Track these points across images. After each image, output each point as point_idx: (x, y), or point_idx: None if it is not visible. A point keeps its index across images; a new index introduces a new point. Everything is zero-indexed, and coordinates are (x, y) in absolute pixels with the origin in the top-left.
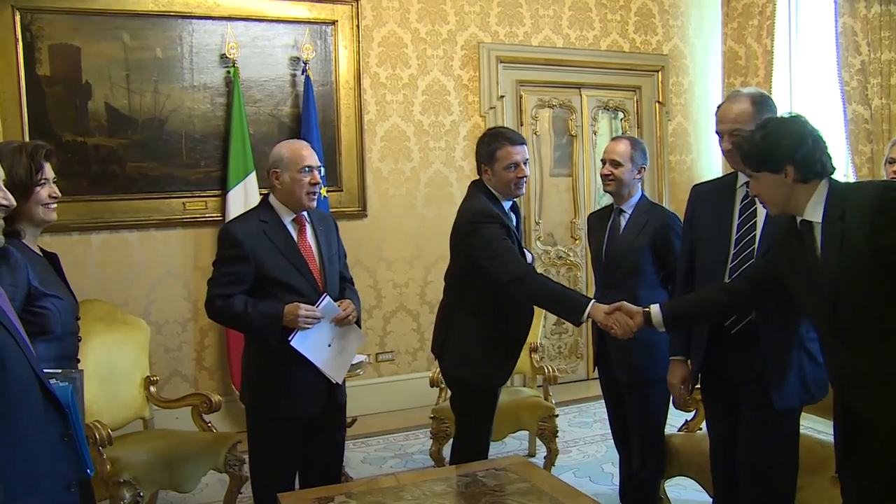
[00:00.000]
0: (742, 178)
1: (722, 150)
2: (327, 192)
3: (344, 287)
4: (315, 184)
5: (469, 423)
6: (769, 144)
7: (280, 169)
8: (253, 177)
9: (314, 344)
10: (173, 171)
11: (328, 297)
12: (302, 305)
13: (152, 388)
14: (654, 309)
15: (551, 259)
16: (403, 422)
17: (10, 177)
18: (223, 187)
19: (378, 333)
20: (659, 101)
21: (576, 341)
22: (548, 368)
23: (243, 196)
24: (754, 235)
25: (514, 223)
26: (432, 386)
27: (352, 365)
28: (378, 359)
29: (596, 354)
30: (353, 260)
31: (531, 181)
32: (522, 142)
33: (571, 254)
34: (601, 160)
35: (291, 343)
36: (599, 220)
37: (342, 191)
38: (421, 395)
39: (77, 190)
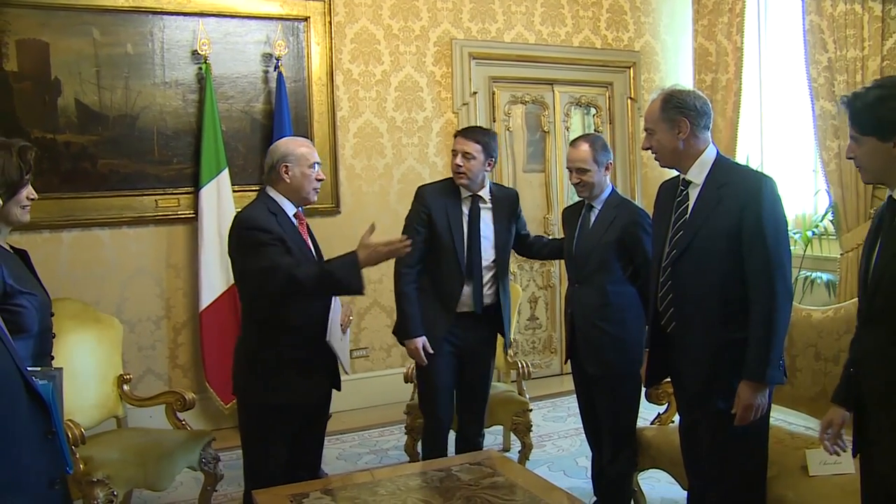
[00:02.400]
0: (682, 175)
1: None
2: None
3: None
4: (320, 179)
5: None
6: (886, 110)
7: (290, 164)
8: (226, 173)
9: (337, 336)
10: (145, 167)
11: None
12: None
13: (125, 387)
14: None
15: None
16: (378, 418)
17: (2, 176)
18: (196, 184)
19: (352, 330)
20: (631, 98)
21: (549, 336)
22: (521, 364)
23: (216, 193)
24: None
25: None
26: (406, 382)
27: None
28: (352, 355)
29: (567, 349)
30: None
31: (505, 176)
32: (465, 136)
33: None
34: (567, 168)
35: (329, 340)
36: (571, 216)
37: None
38: (395, 391)
39: (47, 187)
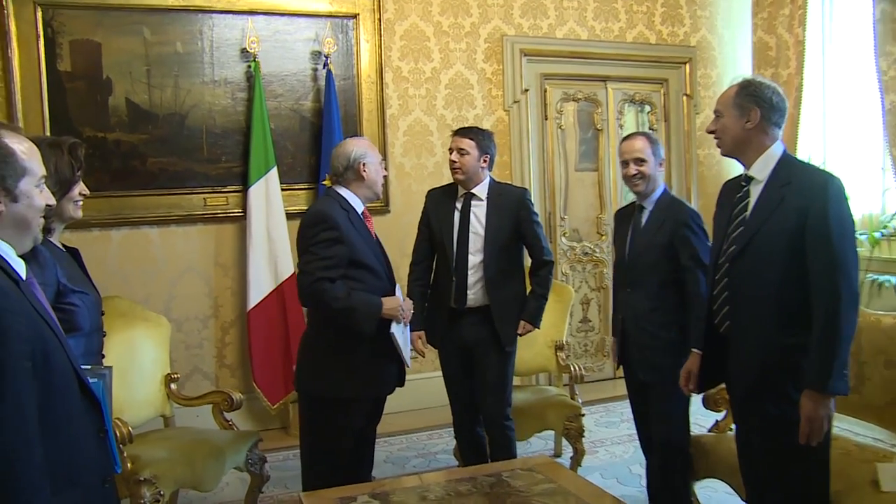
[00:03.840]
0: (745, 172)
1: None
2: None
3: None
4: (385, 175)
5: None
6: None
7: (367, 162)
8: (274, 172)
9: (402, 332)
10: (194, 166)
11: (399, 288)
12: (399, 299)
13: (173, 386)
14: None
15: (577, 255)
16: (426, 421)
17: (56, 174)
18: (244, 183)
19: None
20: (686, 94)
21: (602, 339)
22: (574, 367)
23: (264, 191)
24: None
25: None
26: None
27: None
28: None
29: (618, 355)
30: None
31: (558, 175)
32: (458, 134)
33: (597, 250)
34: (622, 161)
35: (392, 332)
36: (623, 218)
37: None
38: (444, 394)
39: (98, 185)
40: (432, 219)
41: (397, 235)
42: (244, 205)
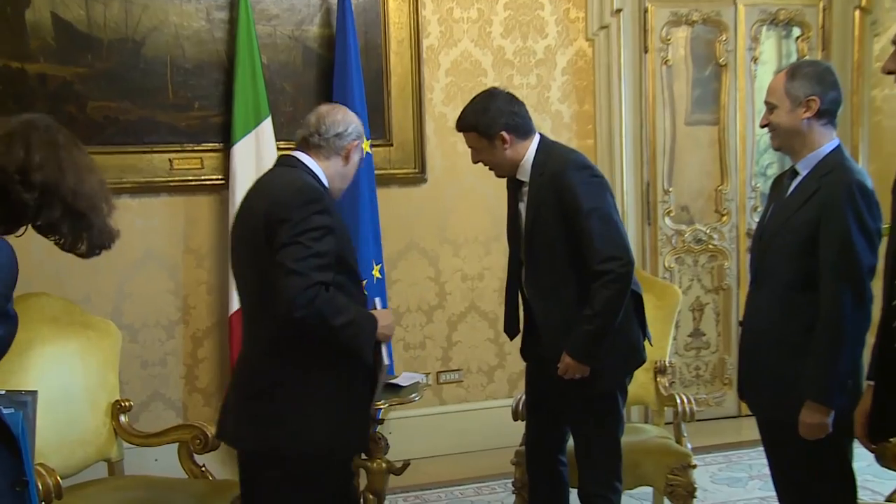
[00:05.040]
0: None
1: None
2: (371, 146)
3: None
4: None
5: None
6: None
7: (359, 144)
8: (267, 124)
9: (390, 358)
10: (155, 114)
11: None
12: (390, 312)
13: (123, 418)
14: None
15: (686, 243)
16: (475, 469)
17: None
18: (226, 139)
19: (440, 344)
20: (861, 7)
21: (721, 360)
22: (681, 398)
23: (254, 151)
24: None
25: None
26: (517, 419)
27: (403, 388)
28: (440, 380)
29: (739, 380)
30: (407, 242)
31: (660, 130)
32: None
33: (716, 236)
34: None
35: (384, 356)
36: (775, 189)
37: (392, 145)
38: (499, 432)
39: None
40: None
41: (437, 214)
42: (226, 169)
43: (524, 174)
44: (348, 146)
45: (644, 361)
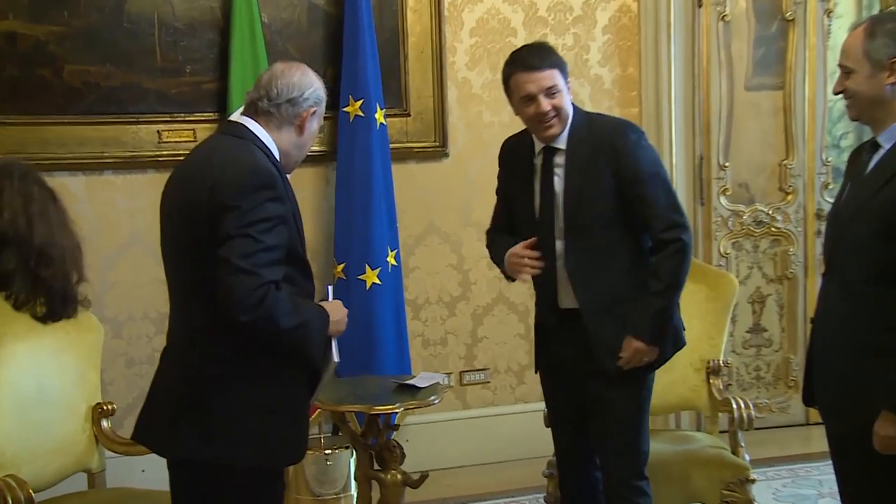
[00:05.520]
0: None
1: None
2: (385, 117)
3: None
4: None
5: None
6: None
7: (318, 113)
8: None
9: (338, 356)
10: (141, 79)
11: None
12: (342, 304)
13: (105, 423)
14: None
15: (744, 226)
16: (502, 481)
17: None
18: (222, 107)
19: (464, 340)
20: None
21: (786, 360)
22: (737, 402)
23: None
24: None
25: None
26: (548, 426)
27: (421, 389)
28: (463, 380)
29: (805, 383)
30: (427, 224)
31: (715, 96)
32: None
33: (780, 217)
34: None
35: (334, 353)
36: (853, 164)
37: (409, 115)
38: (530, 440)
39: None
40: (509, 188)
41: (459, 192)
42: None
43: (562, 141)
44: (303, 114)
45: (685, 344)
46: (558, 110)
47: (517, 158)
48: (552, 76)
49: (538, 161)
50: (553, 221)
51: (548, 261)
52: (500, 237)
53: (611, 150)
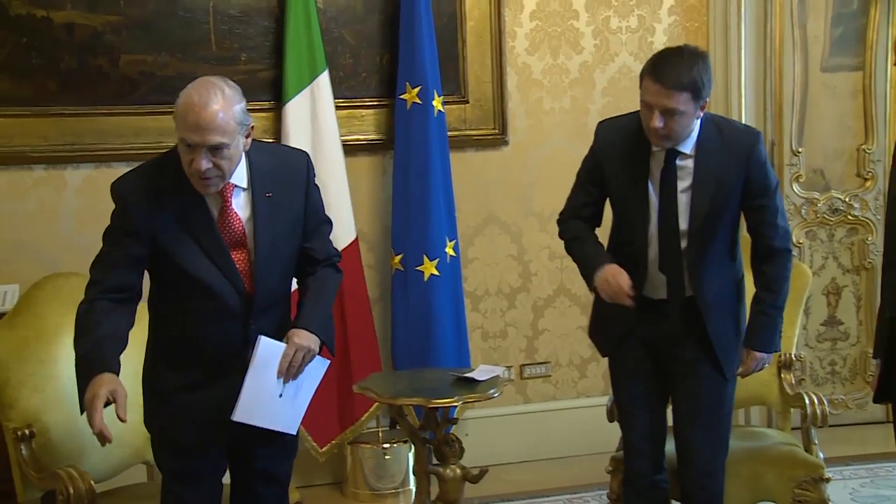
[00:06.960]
0: None
1: None
2: (443, 104)
3: (305, 278)
4: (199, 171)
5: None
6: None
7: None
8: (324, 79)
9: (261, 406)
10: (196, 68)
11: (264, 340)
12: (99, 407)
13: None
14: None
15: (819, 214)
16: (564, 477)
17: None
18: (277, 96)
19: (524, 333)
20: None
21: (864, 354)
22: (811, 398)
23: (309, 110)
24: None
25: None
26: (612, 420)
27: (480, 382)
28: (523, 374)
29: (880, 376)
30: (486, 214)
31: (787, 78)
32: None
33: (857, 205)
34: None
35: (235, 419)
36: None
37: (467, 102)
38: (593, 435)
39: (39, 97)
40: (617, 182)
41: (520, 181)
42: (277, 130)
43: (687, 144)
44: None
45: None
46: (669, 132)
47: (633, 154)
48: (676, 100)
49: (654, 162)
50: (677, 225)
51: (669, 260)
52: (584, 231)
53: (745, 160)
